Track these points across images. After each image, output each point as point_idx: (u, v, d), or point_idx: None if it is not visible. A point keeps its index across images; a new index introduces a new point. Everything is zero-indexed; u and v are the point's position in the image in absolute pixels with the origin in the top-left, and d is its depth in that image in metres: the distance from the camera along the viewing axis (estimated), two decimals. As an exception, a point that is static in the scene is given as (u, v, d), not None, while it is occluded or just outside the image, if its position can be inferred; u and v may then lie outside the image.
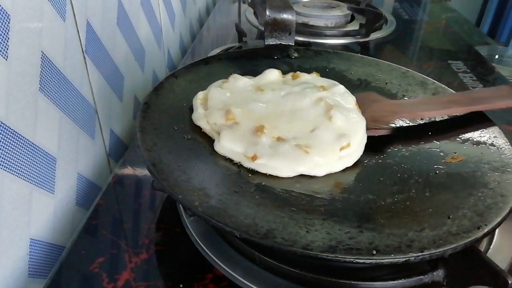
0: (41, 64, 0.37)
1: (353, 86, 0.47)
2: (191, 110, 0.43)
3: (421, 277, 0.31)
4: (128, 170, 0.47)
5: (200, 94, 0.44)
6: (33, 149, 0.36)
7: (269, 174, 0.36)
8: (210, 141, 0.39)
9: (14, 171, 0.34)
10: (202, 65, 0.50)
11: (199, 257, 0.35)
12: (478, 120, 0.42)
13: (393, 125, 0.43)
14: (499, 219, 0.30)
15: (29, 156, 0.36)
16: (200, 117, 0.41)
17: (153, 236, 0.38)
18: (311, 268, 0.32)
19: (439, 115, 0.44)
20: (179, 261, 0.36)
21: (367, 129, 0.41)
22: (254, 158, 0.36)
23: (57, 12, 0.39)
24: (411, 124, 0.44)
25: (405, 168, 0.38)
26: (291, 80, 0.48)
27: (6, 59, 0.32)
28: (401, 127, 0.44)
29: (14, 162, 0.34)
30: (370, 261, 0.27)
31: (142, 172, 0.46)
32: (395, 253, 0.27)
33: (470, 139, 0.40)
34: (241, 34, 0.75)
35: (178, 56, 0.84)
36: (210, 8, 1.13)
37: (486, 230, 0.29)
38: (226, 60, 0.52)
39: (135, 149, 0.45)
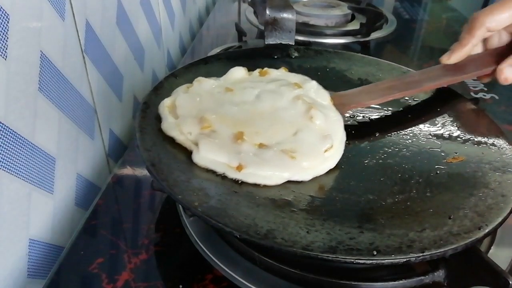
0: (40, 64, 0.37)
1: (354, 86, 0.47)
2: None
3: (422, 277, 0.31)
4: (128, 170, 0.47)
5: (167, 101, 0.41)
6: (32, 149, 0.36)
7: (261, 184, 0.34)
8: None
9: (13, 171, 0.34)
10: (202, 64, 0.50)
11: (199, 258, 0.35)
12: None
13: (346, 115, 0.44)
14: (500, 219, 0.30)
15: (28, 156, 0.36)
16: (171, 127, 0.38)
17: (152, 236, 0.38)
18: (311, 268, 0.31)
19: (381, 102, 0.45)
20: (179, 262, 0.35)
21: None
22: (239, 167, 0.34)
23: (56, 11, 0.39)
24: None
25: (406, 168, 0.37)
26: (260, 77, 0.46)
27: (5, 59, 0.32)
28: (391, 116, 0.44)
29: (13, 162, 0.34)
30: (371, 261, 0.27)
31: (142, 172, 0.46)
32: (396, 254, 0.27)
33: (471, 139, 0.40)
34: (241, 33, 0.74)
35: (178, 55, 0.84)
36: (210, 8, 1.13)
37: (487, 231, 0.29)
38: (226, 60, 0.52)
39: (134, 149, 0.44)
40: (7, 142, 0.33)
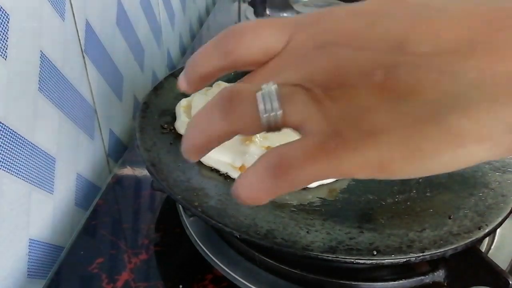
0: (40, 64, 0.37)
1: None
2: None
3: (422, 277, 0.31)
4: (128, 170, 0.47)
5: (184, 101, 0.42)
6: (32, 149, 0.36)
7: None
8: None
9: (13, 171, 0.34)
10: (202, 64, 0.50)
11: (199, 258, 0.35)
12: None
13: None
14: (500, 219, 0.30)
15: (28, 156, 0.36)
16: (183, 126, 0.39)
17: (152, 236, 0.38)
18: (311, 268, 0.31)
19: None
20: (179, 262, 0.35)
21: None
22: (242, 168, 0.35)
23: (56, 11, 0.39)
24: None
25: (406, 168, 0.37)
26: None
27: (5, 59, 0.32)
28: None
29: (13, 162, 0.34)
30: (371, 261, 0.27)
31: (142, 172, 0.46)
32: (396, 254, 0.27)
33: (471, 139, 0.40)
34: (241, 33, 0.74)
35: (178, 55, 0.84)
36: (210, 8, 1.13)
37: (487, 230, 0.29)
38: (226, 60, 0.52)
39: (134, 149, 0.45)
40: (7, 142, 0.33)
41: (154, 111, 0.41)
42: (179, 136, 0.39)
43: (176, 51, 0.83)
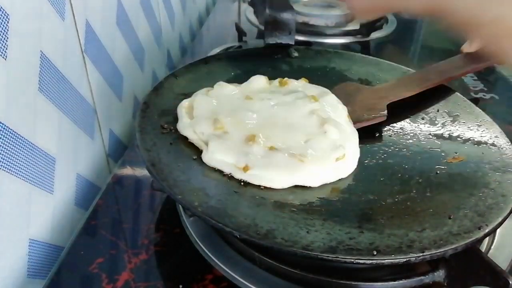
0: (40, 64, 0.37)
1: (354, 86, 0.47)
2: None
3: (422, 277, 0.31)
4: (128, 170, 0.47)
5: (185, 102, 0.42)
6: (32, 149, 0.36)
7: (263, 186, 0.34)
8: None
9: (13, 171, 0.34)
10: (202, 64, 0.50)
11: (199, 258, 0.35)
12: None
13: (386, 110, 0.43)
14: (500, 219, 0.30)
15: (28, 156, 0.36)
16: (186, 126, 0.39)
17: (152, 236, 0.38)
18: (311, 268, 0.31)
19: (417, 92, 0.45)
20: (179, 262, 0.35)
21: (366, 120, 0.42)
22: (245, 168, 0.34)
23: (56, 11, 0.39)
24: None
25: (406, 168, 0.37)
26: (279, 88, 0.46)
27: (5, 59, 0.32)
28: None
29: (13, 162, 0.34)
30: (371, 261, 0.27)
31: (142, 172, 0.46)
32: (396, 254, 0.27)
33: (471, 139, 0.40)
34: (241, 33, 0.74)
35: (178, 55, 0.84)
36: (210, 8, 1.13)
37: (487, 230, 0.29)
38: (226, 60, 0.52)
39: (134, 149, 0.44)
40: (7, 142, 0.33)
41: (154, 111, 0.41)
42: (179, 136, 0.39)
43: (176, 51, 0.83)
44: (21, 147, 0.35)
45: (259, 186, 0.34)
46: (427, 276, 0.31)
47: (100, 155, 0.51)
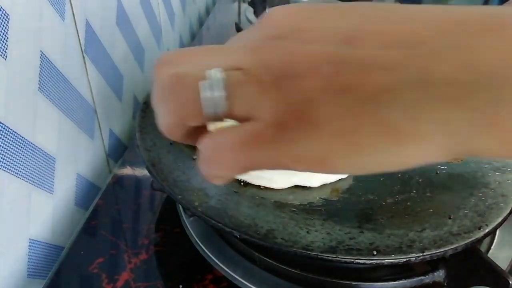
0: (40, 64, 0.37)
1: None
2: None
3: (422, 277, 0.31)
4: (128, 170, 0.47)
5: None
6: (32, 149, 0.36)
7: (263, 186, 0.34)
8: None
9: (13, 171, 0.34)
10: (202, 64, 0.50)
11: (199, 258, 0.35)
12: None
13: None
14: (500, 219, 0.30)
15: (28, 156, 0.36)
16: None
17: (152, 236, 0.38)
18: (311, 268, 0.31)
19: None
20: (179, 262, 0.35)
21: None
22: None
23: (56, 11, 0.39)
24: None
25: (406, 168, 0.37)
26: None
27: (5, 59, 0.32)
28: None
29: (13, 162, 0.34)
30: (371, 261, 0.27)
31: (142, 172, 0.46)
32: (396, 254, 0.27)
33: (471, 139, 0.40)
34: (241, 33, 0.74)
35: (178, 55, 0.84)
36: (210, 8, 1.13)
37: (487, 230, 0.29)
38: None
39: (134, 149, 0.44)
40: (7, 142, 0.33)
41: (154, 111, 0.40)
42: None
43: (176, 51, 0.83)
44: (21, 147, 0.35)
45: (259, 186, 0.34)
46: (427, 276, 0.31)
47: (100, 155, 0.51)
